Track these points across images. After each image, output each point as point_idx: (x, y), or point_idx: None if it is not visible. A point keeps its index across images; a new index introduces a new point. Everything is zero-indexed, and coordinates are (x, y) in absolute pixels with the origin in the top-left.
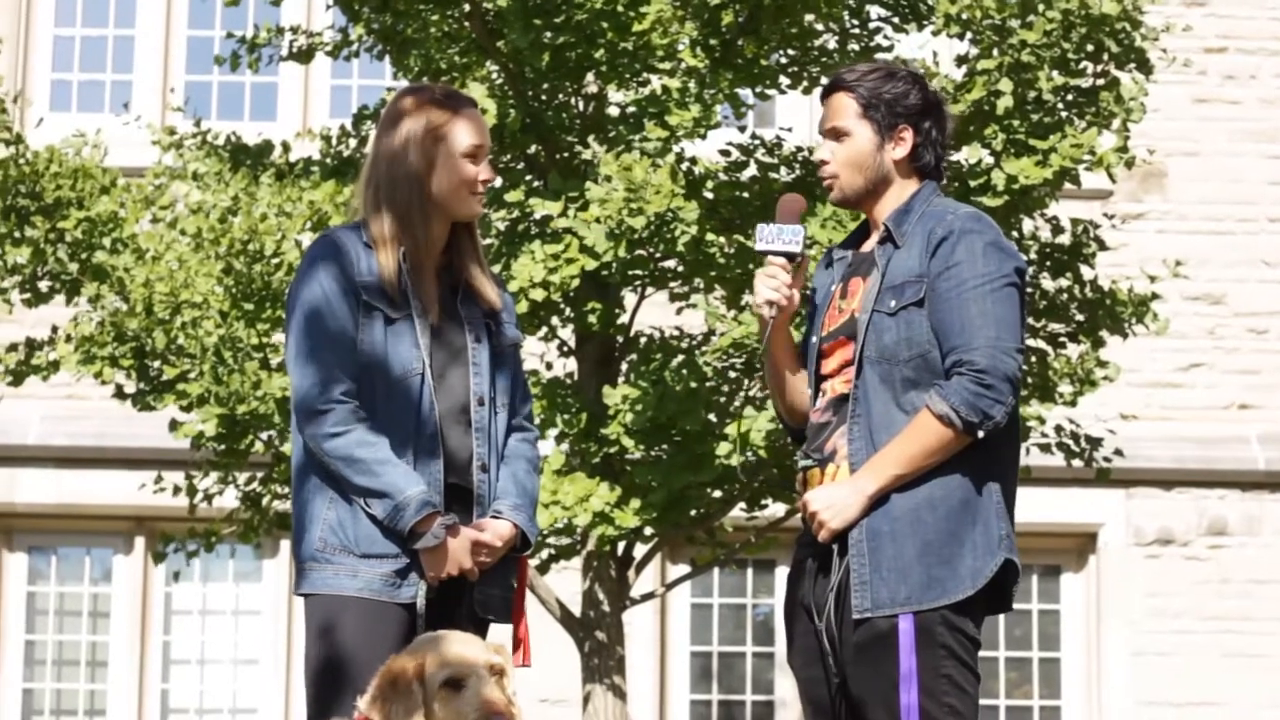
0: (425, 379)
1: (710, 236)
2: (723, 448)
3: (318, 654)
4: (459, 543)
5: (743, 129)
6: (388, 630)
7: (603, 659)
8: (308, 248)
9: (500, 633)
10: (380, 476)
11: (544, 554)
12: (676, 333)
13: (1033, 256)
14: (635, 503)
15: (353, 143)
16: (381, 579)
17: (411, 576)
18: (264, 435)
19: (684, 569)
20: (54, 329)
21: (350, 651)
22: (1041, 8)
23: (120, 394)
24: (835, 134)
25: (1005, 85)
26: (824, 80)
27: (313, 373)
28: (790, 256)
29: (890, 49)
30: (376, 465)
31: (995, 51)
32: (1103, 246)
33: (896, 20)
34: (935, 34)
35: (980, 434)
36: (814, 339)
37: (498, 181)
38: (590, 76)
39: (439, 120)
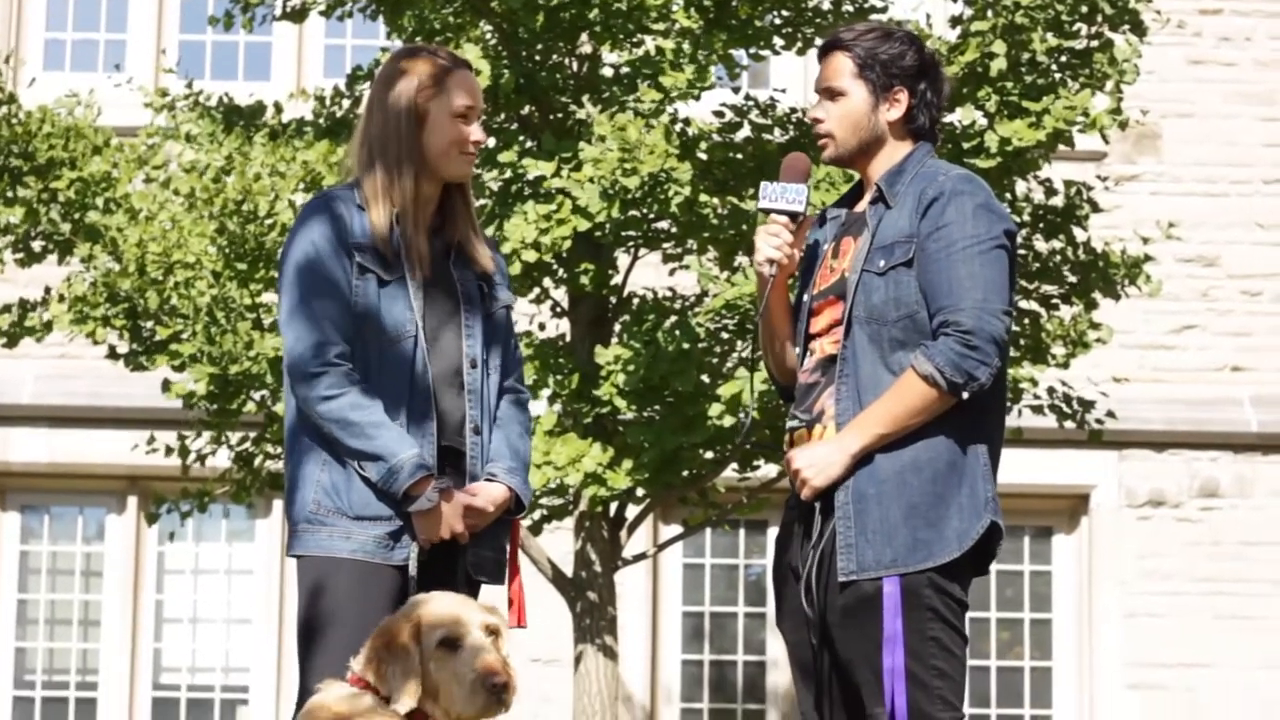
0: (418, 341)
1: (704, 197)
2: (715, 409)
3: (310, 615)
4: (451, 507)
5: (737, 90)
6: (380, 592)
7: (594, 619)
8: (301, 208)
9: (493, 594)
10: (374, 439)
11: (536, 514)
12: (669, 294)
13: (1025, 218)
14: (627, 463)
15: (346, 103)
16: (375, 541)
17: (404, 539)
18: (256, 395)
19: (676, 529)
20: (47, 289)
21: (342, 612)
22: None
23: (113, 354)
24: (830, 93)
25: (999, 47)
26: (819, 41)
27: (306, 334)
28: (793, 215)
29: (884, 10)
30: (370, 428)
31: (989, 13)
32: (1096, 208)
33: None
34: None
35: (965, 395)
36: (805, 297)
37: (490, 142)
38: (584, 37)
39: (432, 80)
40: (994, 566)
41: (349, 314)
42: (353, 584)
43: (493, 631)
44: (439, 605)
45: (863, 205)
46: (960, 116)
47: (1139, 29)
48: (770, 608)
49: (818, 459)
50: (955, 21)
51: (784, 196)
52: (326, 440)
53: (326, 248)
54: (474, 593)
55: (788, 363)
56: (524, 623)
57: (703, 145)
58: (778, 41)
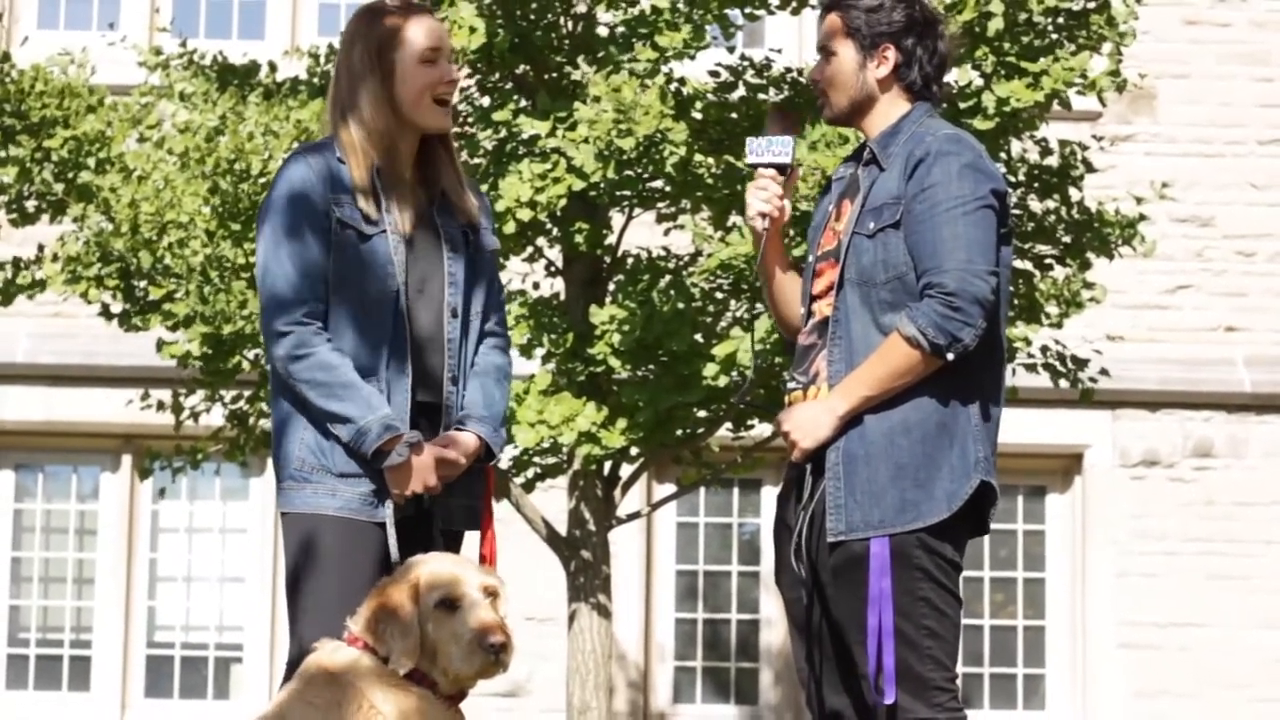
0: (400, 295)
1: (698, 157)
2: (709, 368)
3: (298, 572)
4: (423, 460)
5: (731, 50)
6: (366, 549)
7: (588, 578)
8: (279, 166)
9: (467, 543)
10: (342, 400)
11: (530, 473)
12: (664, 253)
13: (1020, 178)
14: (622, 422)
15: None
16: (360, 498)
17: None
18: (250, 354)
19: (670, 488)
20: (40, 248)
21: (330, 569)
22: None
23: (107, 314)
24: (824, 53)
25: (996, 7)
26: (813, 0)
27: (276, 292)
28: (780, 168)
29: None
30: (339, 388)
31: None
32: (1091, 168)
33: None
34: None
35: (949, 356)
36: (810, 258)
37: (485, 101)
38: None
39: (392, 28)
40: None
41: (324, 268)
42: (338, 541)
43: (491, 592)
44: (437, 566)
45: (860, 166)
46: (957, 77)
47: None
48: (764, 566)
49: (805, 421)
50: None
51: (770, 150)
52: (298, 398)
53: (304, 201)
54: (452, 543)
55: (793, 319)
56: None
57: (698, 105)
58: (772, 1)
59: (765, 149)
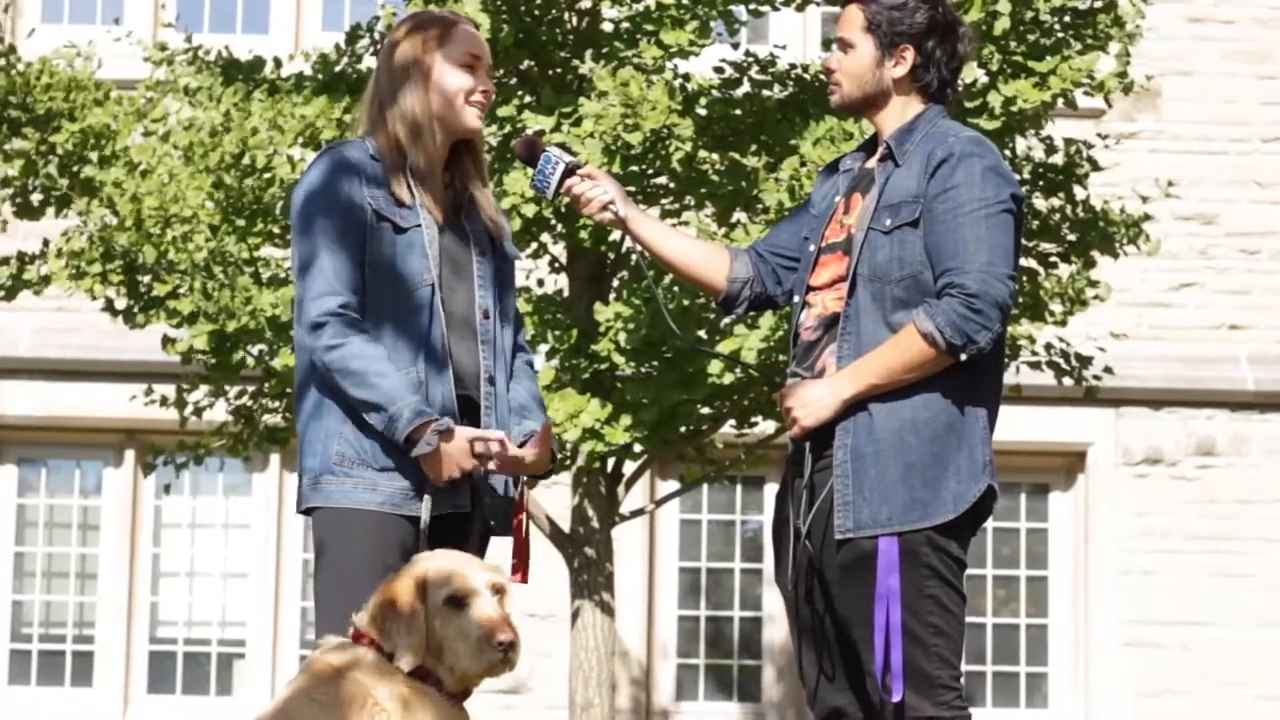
0: (434, 290)
1: (703, 154)
2: (713, 365)
3: (332, 566)
4: (454, 445)
5: (736, 46)
6: (405, 544)
7: (592, 575)
8: (312, 160)
9: (500, 549)
10: (376, 388)
11: None
12: None
13: (1025, 176)
14: (625, 419)
15: (344, 59)
16: (400, 492)
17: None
18: (254, 350)
19: (673, 485)
20: (45, 243)
21: (368, 566)
22: None
23: (111, 309)
24: (842, 44)
25: (1003, 6)
26: None
27: (313, 284)
28: (570, 170)
29: None
30: (372, 377)
31: None
32: (1095, 166)
33: None
34: None
35: (962, 357)
36: (812, 247)
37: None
38: None
39: (435, 32)
40: (990, 523)
41: (359, 262)
42: (377, 536)
43: (498, 590)
44: (444, 563)
45: (873, 161)
46: (963, 76)
47: None
48: (767, 563)
49: (809, 399)
50: None
51: (548, 170)
52: (335, 391)
53: (338, 196)
54: (486, 540)
55: (709, 278)
56: (525, 579)
57: (702, 101)
58: None
59: (548, 173)
